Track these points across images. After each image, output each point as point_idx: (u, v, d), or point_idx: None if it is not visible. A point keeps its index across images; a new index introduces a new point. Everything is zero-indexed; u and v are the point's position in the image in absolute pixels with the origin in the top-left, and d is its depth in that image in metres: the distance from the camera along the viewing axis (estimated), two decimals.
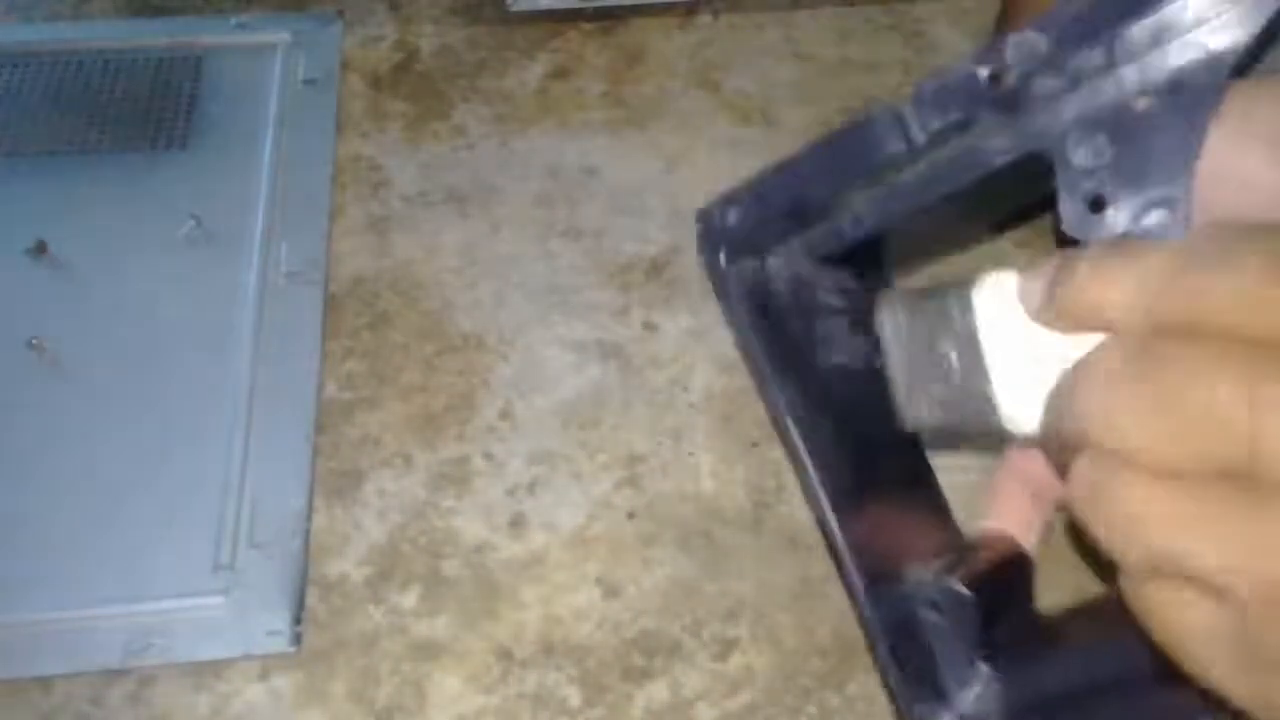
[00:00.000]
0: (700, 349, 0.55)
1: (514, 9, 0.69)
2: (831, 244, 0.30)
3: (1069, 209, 0.25)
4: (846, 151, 0.29)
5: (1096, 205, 0.24)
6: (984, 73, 0.26)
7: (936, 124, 0.27)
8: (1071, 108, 0.25)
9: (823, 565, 0.48)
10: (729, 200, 0.31)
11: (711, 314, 0.56)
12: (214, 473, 0.50)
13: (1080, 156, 0.25)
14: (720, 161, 0.63)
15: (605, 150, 0.64)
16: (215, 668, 0.45)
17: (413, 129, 0.64)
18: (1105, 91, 0.24)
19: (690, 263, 0.58)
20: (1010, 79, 0.25)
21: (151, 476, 0.50)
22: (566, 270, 0.58)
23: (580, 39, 0.69)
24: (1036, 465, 0.33)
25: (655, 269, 0.58)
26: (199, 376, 0.53)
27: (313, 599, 0.47)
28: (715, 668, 0.45)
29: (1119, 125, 0.24)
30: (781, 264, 0.31)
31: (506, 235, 0.60)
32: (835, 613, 0.47)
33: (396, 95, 0.66)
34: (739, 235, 0.31)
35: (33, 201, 0.60)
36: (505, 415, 0.53)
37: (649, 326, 0.56)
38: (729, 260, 0.32)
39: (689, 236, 0.59)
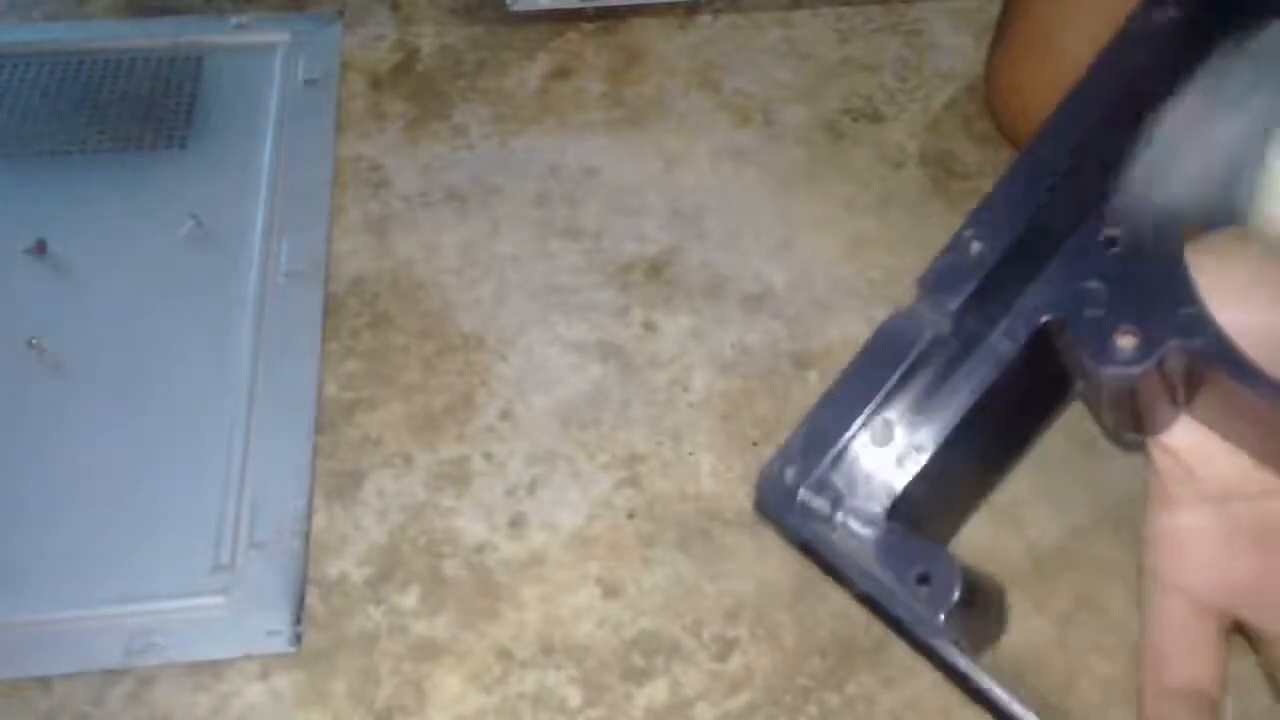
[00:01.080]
0: (700, 349, 0.55)
1: (514, 9, 0.69)
2: (890, 489, 0.30)
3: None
4: (879, 363, 0.29)
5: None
6: (976, 248, 0.28)
7: (953, 305, 0.28)
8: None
9: None
10: (784, 458, 0.30)
11: (711, 314, 0.56)
12: (214, 473, 0.50)
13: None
14: (720, 162, 0.63)
15: (605, 150, 0.64)
16: (215, 668, 0.45)
17: (413, 129, 0.64)
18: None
19: (690, 263, 0.59)
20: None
21: (151, 476, 0.50)
22: (566, 270, 0.58)
23: (580, 39, 0.69)
24: (1185, 671, 0.32)
25: (655, 269, 0.58)
26: (199, 376, 0.53)
27: (313, 599, 0.47)
28: (715, 668, 0.45)
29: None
30: (854, 521, 0.31)
31: (506, 235, 0.60)
32: (835, 613, 0.47)
33: (396, 95, 0.66)
34: (801, 492, 0.30)
35: (33, 201, 0.60)
36: (505, 415, 0.53)
37: (649, 326, 0.56)
38: (799, 524, 0.31)
39: (689, 236, 0.60)
